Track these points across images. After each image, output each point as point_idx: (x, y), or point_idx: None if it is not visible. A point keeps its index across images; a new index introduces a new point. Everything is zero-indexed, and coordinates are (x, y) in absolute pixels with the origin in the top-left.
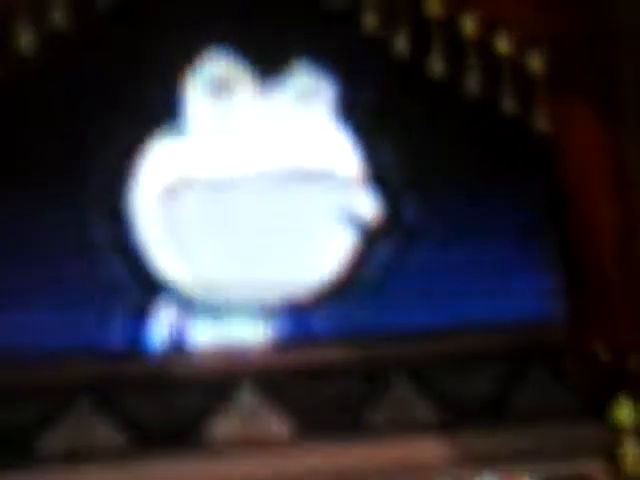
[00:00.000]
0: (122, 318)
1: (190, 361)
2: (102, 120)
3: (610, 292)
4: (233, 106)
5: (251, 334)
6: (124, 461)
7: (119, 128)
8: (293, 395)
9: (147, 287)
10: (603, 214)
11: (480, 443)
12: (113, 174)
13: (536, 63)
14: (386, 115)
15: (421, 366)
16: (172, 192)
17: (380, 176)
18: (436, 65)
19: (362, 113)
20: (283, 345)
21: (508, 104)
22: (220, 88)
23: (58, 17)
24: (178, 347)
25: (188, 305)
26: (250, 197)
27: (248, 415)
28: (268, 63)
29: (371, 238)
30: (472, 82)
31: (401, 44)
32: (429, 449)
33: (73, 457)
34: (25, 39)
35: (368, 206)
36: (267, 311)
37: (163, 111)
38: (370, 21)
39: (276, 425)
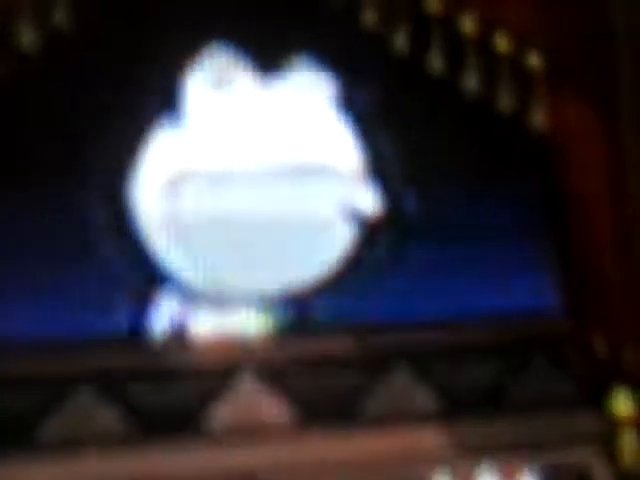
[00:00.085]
0: (124, 308)
1: (191, 350)
2: (103, 115)
3: (608, 285)
4: (233, 101)
5: (252, 324)
6: (125, 449)
7: (120, 122)
8: (293, 384)
9: (148, 277)
10: (601, 211)
11: (479, 433)
12: (115, 167)
13: (535, 61)
14: (386, 111)
15: (421, 356)
16: (173, 184)
17: (379, 171)
18: (435, 62)
19: (362, 109)
20: (283, 335)
21: (506, 102)
22: (220, 83)
23: (60, 15)
24: (179, 337)
25: (189, 295)
26: (251, 190)
27: (248, 404)
28: (268, 59)
29: (370, 232)
30: (471, 80)
31: (401, 41)
32: (428, 438)
33: (74, 445)
34: (27, 37)
35: (368, 200)
36: (267, 301)
37: (164, 105)
38: (370, 18)
39: (276, 414)
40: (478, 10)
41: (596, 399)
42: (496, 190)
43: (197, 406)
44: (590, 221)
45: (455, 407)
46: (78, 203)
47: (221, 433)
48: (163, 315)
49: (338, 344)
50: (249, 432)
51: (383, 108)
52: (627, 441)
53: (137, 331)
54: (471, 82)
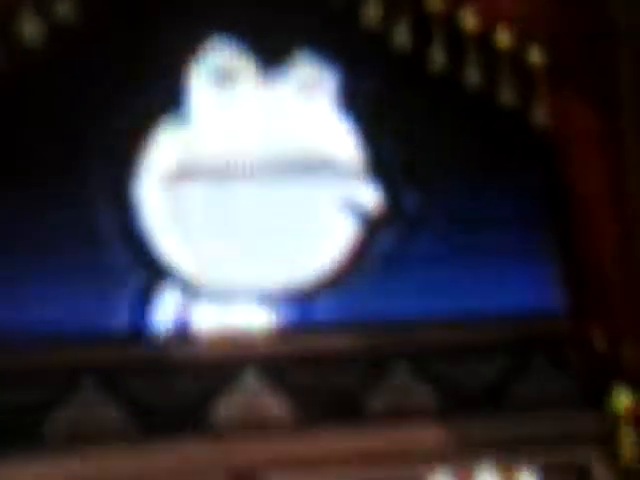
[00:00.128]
0: (127, 303)
1: (194, 346)
2: (105, 110)
3: (608, 283)
4: (236, 95)
5: (254, 320)
6: (128, 445)
7: (123, 117)
8: (295, 381)
9: (151, 273)
10: (601, 210)
11: (479, 431)
12: (118, 162)
13: (536, 57)
14: (387, 106)
15: (422, 355)
16: (176, 180)
17: (381, 166)
18: (437, 58)
19: (363, 104)
20: (286, 332)
21: (507, 97)
22: (223, 78)
23: (63, 8)
24: (182, 332)
25: (192, 291)
26: (253, 186)
27: (251, 400)
28: (271, 53)
29: (372, 227)
30: (472, 75)
31: (402, 37)
32: (428, 437)
33: (77, 441)
34: (30, 30)
35: (369, 196)
36: (270, 298)
37: (167, 100)
38: (372, 13)
39: (278, 410)
40: (479, 5)
41: (596, 398)
42: (498, 187)
43: (200, 402)
44: (590, 220)
45: (455, 406)
46: (80, 200)
47: (223, 429)
48: (166, 311)
49: (340, 341)
50: (251, 428)
51: (384, 103)
52: (627, 439)
53: (140, 327)
54: (472, 78)
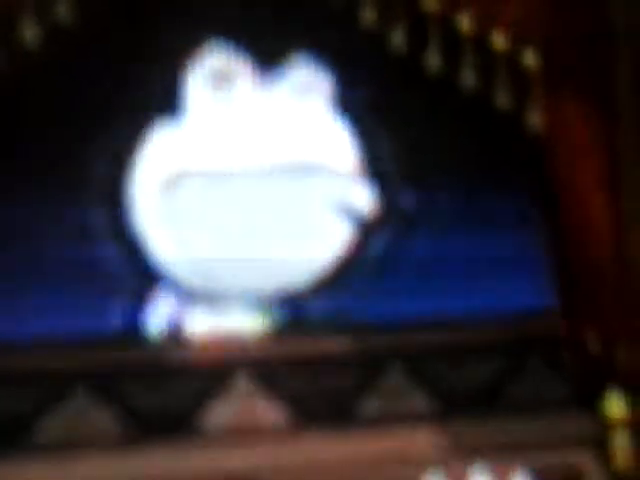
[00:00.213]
0: (120, 306)
1: (187, 349)
2: (103, 111)
3: (601, 285)
4: (232, 98)
5: (248, 323)
6: (121, 448)
7: (119, 119)
8: (289, 384)
9: (145, 275)
10: (596, 211)
11: (473, 433)
12: (113, 164)
13: (531, 60)
14: (383, 109)
15: (417, 357)
16: (171, 182)
17: (377, 169)
18: (432, 60)
19: (359, 107)
20: (279, 334)
21: (503, 100)
22: (220, 80)
23: (62, 10)
24: (175, 335)
25: (186, 294)
26: (248, 188)
27: (244, 404)
28: (267, 56)
29: (367, 229)
30: (468, 78)
31: (398, 39)
32: (423, 439)
33: (70, 444)
34: (29, 33)
35: (365, 198)
36: (264, 300)
37: (163, 102)
38: (368, 16)
39: (272, 414)
40: (475, 8)
41: (590, 400)
42: (493, 189)
43: (193, 406)
44: (585, 222)
45: (449, 408)
46: (75, 202)
47: (217, 433)
48: (159, 315)
49: (334, 344)
50: (245, 432)
51: (380, 106)
52: (620, 442)
53: (133, 331)
54: (468, 80)
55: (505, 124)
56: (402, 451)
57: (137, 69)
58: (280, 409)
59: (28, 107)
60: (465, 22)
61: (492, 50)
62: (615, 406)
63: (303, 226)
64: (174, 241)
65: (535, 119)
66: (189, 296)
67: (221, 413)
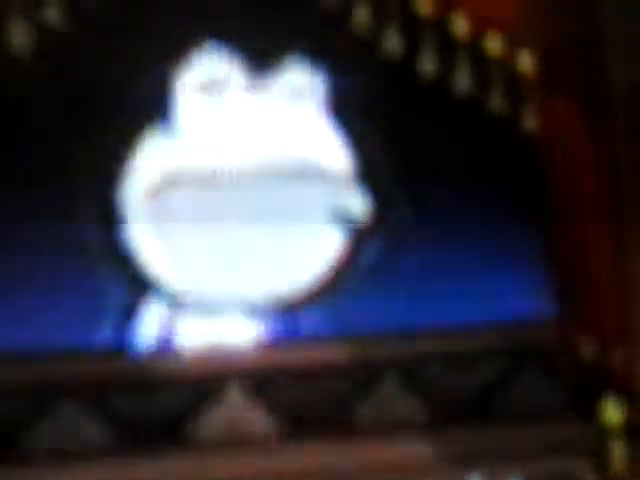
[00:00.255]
0: (111, 317)
1: (178, 360)
2: (93, 118)
3: (597, 292)
4: (224, 103)
5: (240, 333)
6: (112, 459)
7: (110, 125)
8: (280, 394)
9: (136, 286)
10: (592, 217)
11: (469, 441)
12: (104, 172)
13: (526, 64)
14: (376, 113)
15: (411, 365)
16: (162, 190)
17: (370, 174)
18: (426, 65)
19: (353, 111)
20: (271, 344)
21: (497, 104)
22: (211, 85)
23: (51, 15)
24: (166, 346)
25: (177, 304)
26: (239, 195)
27: (236, 414)
28: (259, 60)
29: (360, 236)
30: (462, 82)
31: (392, 43)
32: (418, 448)
33: (61, 455)
34: (18, 40)
35: (358, 204)
36: (256, 310)
37: (154, 108)
38: (361, 20)
39: (263, 424)
40: (470, 12)
41: (586, 408)
42: (488, 195)
43: (184, 416)
44: (580, 229)
45: (445, 415)
46: (65, 213)
47: (208, 443)
48: (150, 325)
49: (327, 353)
50: (237, 442)
51: (374, 110)
52: (616, 450)
53: (124, 341)
54: (462, 84)
55: (500, 129)
56: (397, 460)
57: (127, 73)
58: (272, 419)
59: (16, 112)
60: (459, 26)
61: (486, 55)
62: (611, 413)
63: (296, 233)
64: (165, 251)
65: (530, 123)
66: (180, 307)
67: (213, 423)
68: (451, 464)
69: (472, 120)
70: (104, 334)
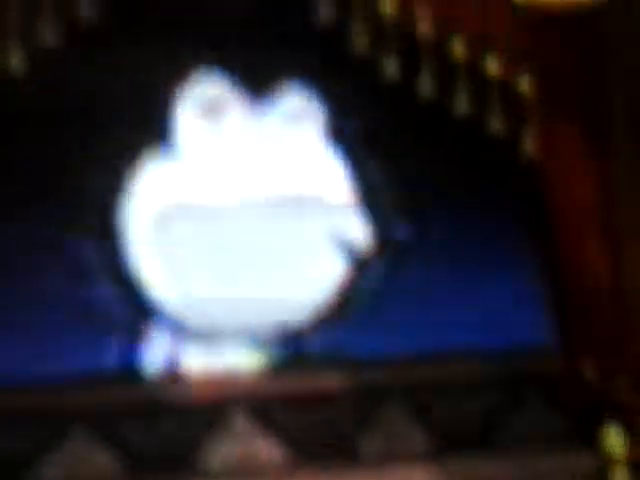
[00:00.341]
0: (115, 344)
1: (183, 387)
2: (92, 142)
3: (599, 318)
4: (224, 128)
5: (244, 360)
6: None
7: (109, 150)
8: (286, 422)
9: (140, 313)
10: (591, 239)
11: (472, 470)
12: (104, 198)
13: (525, 86)
14: (375, 137)
15: (415, 393)
16: (164, 216)
17: (370, 199)
18: (425, 87)
19: (352, 135)
20: (276, 371)
21: (497, 126)
22: (210, 110)
23: (50, 33)
24: (171, 373)
25: (181, 331)
26: (241, 222)
27: (242, 442)
28: (258, 85)
29: (362, 263)
30: (461, 104)
31: (390, 67)
32: (422, 476)
33: None
34: (14, 57)
35: (358, 229)
36: (260, 337)
37: (155, 129)
38: (360, 43)
39: (269, 452)
40: (468, 34)
41: (588, 435)
42: (488, 218)
43: (190, 444)
44: (580, 253)
45: (447, 444)
46: (68, 239)
47: (215, 471)
48: (155, 352)
49: (331, 381)
50: (242, 470)
51: (373, 135)
52: (619, 477)
53: (128, 369)
54: (461, 106)
55: (499, 151)
56: None
57: (126, 99)
58: (278, 447)
59: (14, 136)
60: (458, 48)
61: (486, 76)
62: (614, 441)
63: (298, 259)
64: (169, 277)
65: (530, 146)
66: (185, 333)
67: (219, 451)
68: None
69: (471, 142)
70: (109, 361)
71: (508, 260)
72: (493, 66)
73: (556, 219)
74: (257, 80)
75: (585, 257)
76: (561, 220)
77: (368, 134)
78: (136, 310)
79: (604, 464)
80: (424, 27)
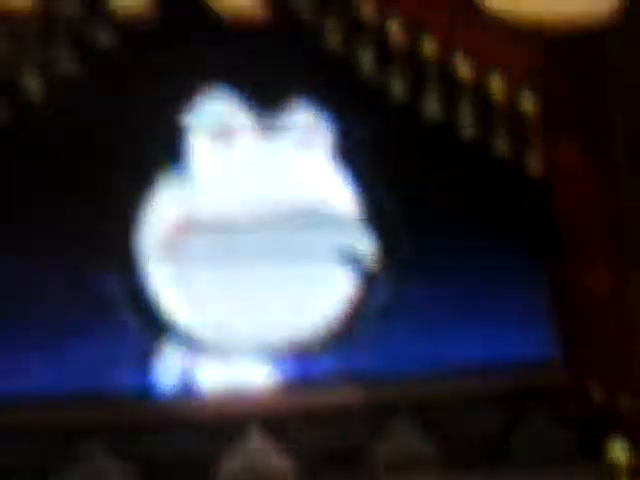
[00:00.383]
0: (131, 361)
1: (198, 404)
2: (108, 164)
3: (604, 334)
4: (234, 147)
5: (257, 376)
6: None
7: (126, 172)
8: (299, 437)
9: (155, 330)
10: (597, 257)
11: None
12: (119, 220)
13: (529, 106)
14: (383, 156)
15: (424, 408)
16: (179, 235)
17: (377, 216)
18: (431, 107)
19: (359, 154)
20: (288, 387)
21: (502, 146)
22: (221, 129)
23: (64, 64)
24: (186, 390)
25: (196, 348)
26: (253, 240)
27: (256, 456)
28: (267, 105)
29: (370, 279)
30: (466, 125)
31: (397, 86)
32: None
33: None
34: (31, 86)
35: (366, 245)
36: (273, 353)
37: (168, 154)
38: (367, 64)
39: (282, 467)
40: (473, 55)
41: (593, 450)
42: (493, 236)
43: (206, 459)
44: (586, 270)
45: (456, 459)
46: (85, 260)
47: None
48: (170, 369)
49: (342, 396)
50: None
51: (380, 154)
52: None
53: (145, 385)
54: (466, 127)
55: (504, 170)
56: None
57: (138, 122)
58: (291, 461)
59: (31, 165)
60: (463, 69)
61: (490, 97)
62: (619, 455)
63: (308, 275)
64: (183, 295)
65: (534, 164)
66: (199, 350)
67: (234, 466)
68: None
69: (476, 162)
70: (125, 379)
71: (513, 277)
72: (497, 87)
73: (561, 236)
74: (267, 99)
75: (592, 273)
76: (566, 237)
77: (375, 152)
78: (152, 327)
79: (610, 477)
80: (429, 49)
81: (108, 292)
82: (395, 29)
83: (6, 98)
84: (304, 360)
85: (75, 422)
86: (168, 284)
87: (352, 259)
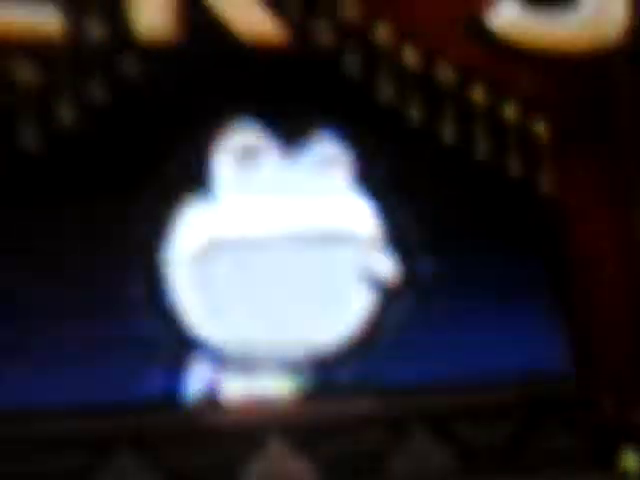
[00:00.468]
0: (158, 373)
1: (222, 413)
2: (137, 187)
3: (616, 346)
4: (259, 174)
5: (279, 388)
6: None
7: (151, 195)
8: (320, 446)
9: (182, 344)
10: (610, 274)
11: None
12: (147, 239)
13: (541, 128)
14: (401, 180)
15: (441, 419)
16: (204, 254)
17: (396, 238)
18: (447, 132)
19: (379, 178)
20: (309, 398)
21: (515, 168)
22: (246, 156)
23: (93, 90)
24: (211, 400)
25: (221, 360)
26: (277, 258)
27: (277, 465)
28: (291, 132)
29: (389, 295)
30: (481, 148)
31: (414, 112)
32: None
33: None
34: (63, 113)
35: (386, 266)
36: (294, 366)
37: (194, 178)
38: (385, 90)
39: (304, 475)
40: (487, 80)
41: (606, 462)
42: (508, 255)
43: (229, 468)
44: (598, 284)
45: (473, 469)
46: (110, 270)
47: None
48: (196, 380)
49: (361, 407)
50: None
51: (399, 178)
52: None
53: (170, 396)
54: (481, 150)
55: (518, 191)
56: None
57: (164, 146)
58: (312, 470)
59: (57, 184)
60: (477, 93)
61: (503, 120)
62: (631, 464)
63: (329, 293)
64: (209, 310)
65: (547, 186)
66: (224, 362)
67: (256, 475)
68: None
69: (491, 184)
70: (152, 389)
71: (528, 292)
72: (510, 111)
73: (574, 252)
74: (290, 128)
75: (604, 288)
76: (580, 255)
77: (394, 177)
78: (179, 341)
79: None
80: (445, 73)
81: (137, 308)
82: (411, 55)
83: (39, 126)
84: (324, 372)
85: (104, 430)
86: (195, 300)
87: (373, 276)
